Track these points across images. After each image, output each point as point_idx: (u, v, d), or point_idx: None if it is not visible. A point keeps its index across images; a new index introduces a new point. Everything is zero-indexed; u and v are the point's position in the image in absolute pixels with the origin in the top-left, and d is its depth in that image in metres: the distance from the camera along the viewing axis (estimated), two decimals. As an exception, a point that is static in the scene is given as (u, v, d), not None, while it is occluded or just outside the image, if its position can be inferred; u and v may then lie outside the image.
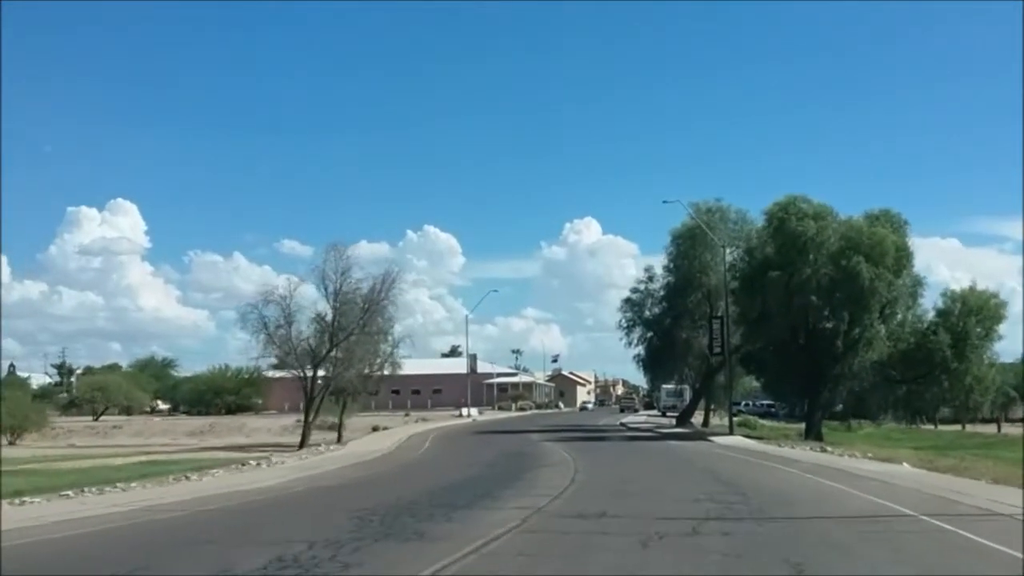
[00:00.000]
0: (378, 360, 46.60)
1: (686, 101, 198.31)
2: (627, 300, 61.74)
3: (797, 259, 45.61)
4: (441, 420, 77.29)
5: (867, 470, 25.29)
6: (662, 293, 61.00)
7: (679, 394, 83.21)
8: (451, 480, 22.74)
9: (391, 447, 39.59)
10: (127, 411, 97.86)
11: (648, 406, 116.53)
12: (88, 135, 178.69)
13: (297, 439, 47.90)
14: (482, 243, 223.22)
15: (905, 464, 28.37)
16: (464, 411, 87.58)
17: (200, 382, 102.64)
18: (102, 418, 79.42)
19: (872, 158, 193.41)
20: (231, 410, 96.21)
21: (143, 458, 36.23)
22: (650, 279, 61.37)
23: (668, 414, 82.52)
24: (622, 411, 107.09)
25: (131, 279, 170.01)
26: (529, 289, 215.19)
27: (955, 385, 48.13)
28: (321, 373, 45.05)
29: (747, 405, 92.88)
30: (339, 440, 47.16)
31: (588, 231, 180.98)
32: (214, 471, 26.52)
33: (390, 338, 46.65)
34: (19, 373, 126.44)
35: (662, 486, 20.92)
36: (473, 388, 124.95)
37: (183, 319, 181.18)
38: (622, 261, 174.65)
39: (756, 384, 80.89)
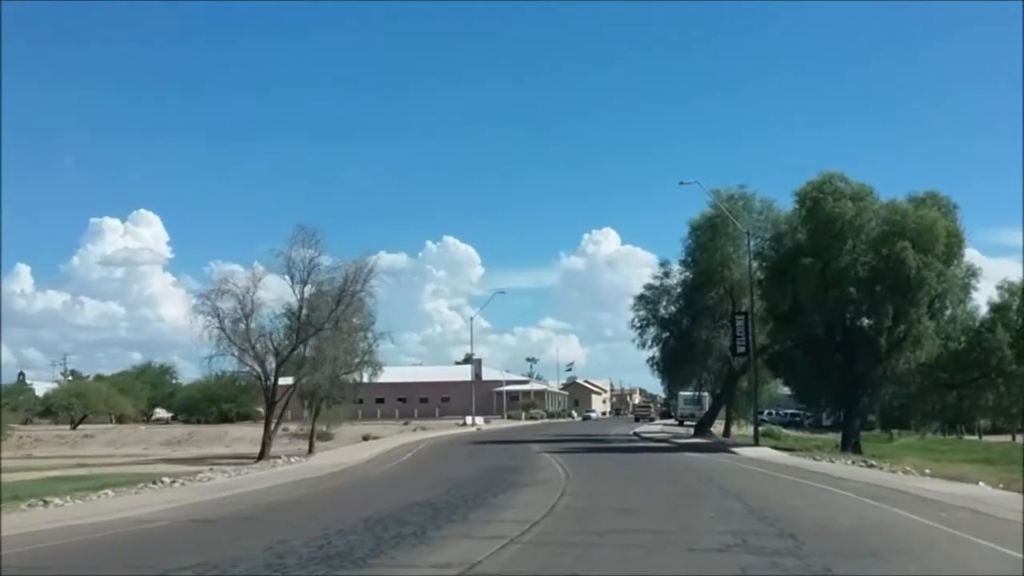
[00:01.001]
0: (355, 360, 40.60)
1: (708, 110, 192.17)
2: (640, 297, 55.64)
3: (833, 245, 39.47)
4: (442, 429, 71.48)
5: (939, 492, 19.21)
6: (679, 290, 54.88)
7: (698, 402, 76.95)
8: (393, 506, 16.83)
9: (362, 460, 33.77)
10: (119, 419, 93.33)
11: (665, 415, 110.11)
12: (111, 146, 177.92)
13: (280, 450, 42.38)
14: (501, 254, 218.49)
15: (982, 484, 22.39)
16: (469, 420, 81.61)
17: (195, 389, 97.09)
18: (81, 426, 73.77)
19: (911, 140, 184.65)
20: (227, 418, 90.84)
21: (65, 472, 30.59)
22: (666, 274, 55.34)
23: (686, 423, 76.40)
24: (637, 420, 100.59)
25: (153, 289, 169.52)
26: (547, 299, 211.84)
27: (1013, 389, 41.71)
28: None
29: (770, 414, 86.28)
30: (310, 450, 41.34)
31: (607, 241, 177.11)
32: (106, 491, 20.76)
33: (369, 336, 40.72)
34: (27, 381, 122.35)
35: (673, 520, 14.89)
36: (482, 396, 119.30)
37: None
38: (640, 271, 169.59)
39: (780, 392, 74.48)
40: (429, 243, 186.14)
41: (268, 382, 37.66)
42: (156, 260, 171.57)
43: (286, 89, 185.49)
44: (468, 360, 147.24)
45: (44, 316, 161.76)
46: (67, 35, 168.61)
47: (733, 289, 51.73)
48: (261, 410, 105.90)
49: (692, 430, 61.37)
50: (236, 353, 36.41)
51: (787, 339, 43.63)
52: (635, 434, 61.63)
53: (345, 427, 72.53)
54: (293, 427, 64.14)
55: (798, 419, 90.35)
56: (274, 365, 37.17)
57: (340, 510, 16.86)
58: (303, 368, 37.08)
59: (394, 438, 54.71)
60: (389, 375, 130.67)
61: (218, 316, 35.78)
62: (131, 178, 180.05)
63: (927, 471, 27.40)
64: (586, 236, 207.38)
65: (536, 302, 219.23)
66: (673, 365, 54.99)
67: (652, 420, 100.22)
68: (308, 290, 37.01)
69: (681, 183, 42.96)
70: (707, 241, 51.12)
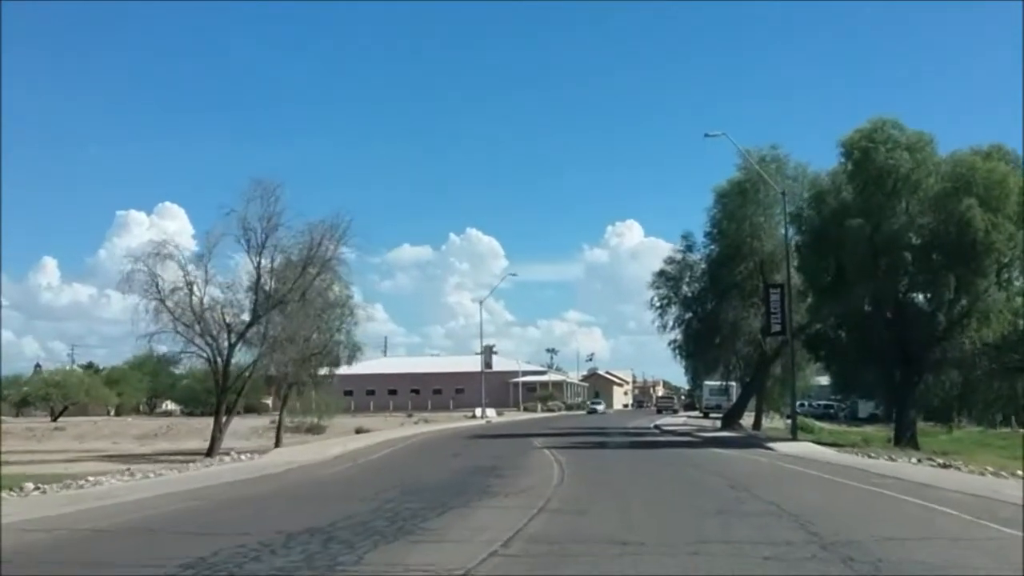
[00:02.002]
0: (330, 341, 34.77)
1: (733, 100, 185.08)
2: (660, 274, 49.28)
3: (885, 205, 33.28)
4: (448, 422, 65.69)
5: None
6: (703, 266, 48.66)
7: (725, 391, 70.47)
8: (272, 533, 10.92)
9: (326, 458, 27.92)
10: (118, 411, 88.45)
11: (689, 407, 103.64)
12: (136, 139, 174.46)
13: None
14: (524, 246, 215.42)
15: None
16: (478, 412, 75.69)
17: (195, 380, 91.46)
18: (66, 418, 68.47)
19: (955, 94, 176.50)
20: (229, 410, 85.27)
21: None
22: (688, 248, 49.06)
23: (712, 415, 70.04)
24: (659, 412, 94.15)
25: (177, 283, 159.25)
26: (571, 292, 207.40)
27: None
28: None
29: (801, 405, 79.36)
30: (277, 444, 35.61)
31: (630, 233, 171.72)
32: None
33: (346, 314, 34.85)
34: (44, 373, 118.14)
35: (702, 564, 8.82)
36: (498, 388, 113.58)
37: None
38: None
39: (813, 382, 68.07)
40: (452, 235, 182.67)
41: (214, 363, 31.73)
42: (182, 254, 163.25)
43: (308, 80, 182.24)
44: (488, 351, 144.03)
45: (70, 309, 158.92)
46: (89, 27, 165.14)
47: (764, 263, 45.55)
48: (268, 402, 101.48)
49: (718, 423, 55.22)
50: (181, 330, 30.49)
51: (829, 316, 37.34)
52: (655, 427, 55.49)
53: (341, 419, 67.60)
54: (293, 419, 59.22)
55: (831, 411, 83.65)
56: (228, 344, 31.25)
57: (188, 541, 10.91)
58: (262, 348, 31.11)
59: (386, 432, 48.89)
60: (402, 365, 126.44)
61: (157, 286, 29.95)
62: (157, 171, 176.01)
63: (1020, 473, 21.42)
64: (609, 228, 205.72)
65: (559, 295, 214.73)
66: (697, 349, 48.80)
67: (675, 412, 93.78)
68: (271, 256, 31.08)
69: (707, 135, 36.60)
70: (735, 209, 45.03)
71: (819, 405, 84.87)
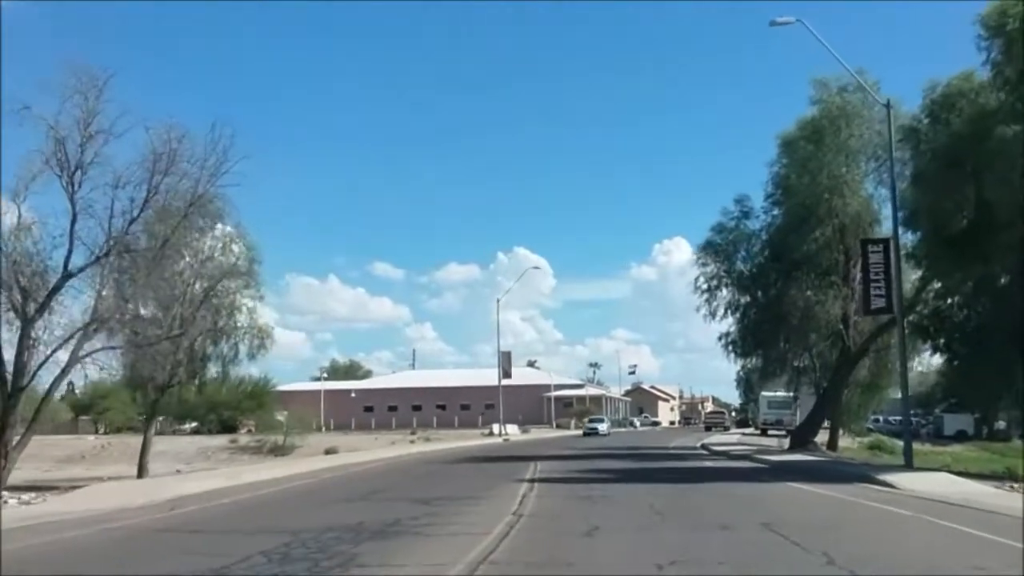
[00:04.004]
0: (226, 321, 23.25)
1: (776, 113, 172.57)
2: (707, 245, 36.82)
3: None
4: (456, 440, 53.92)
5: None
6: (764, 236, 36.44)
7: (787, 404, 57.81)
8: None
9: (176, 495, 16.53)
10: (116, 429, 78.28)
11: (742, 424, 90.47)
12: None
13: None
14: (572, 264, 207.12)
15: None
16: (496, 428, 63.83)
17: (191, 394, 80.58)
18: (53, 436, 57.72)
19: None
20: (227, 427, 74.70)
21: None
22: (744, 214, 36.71)
23: (771, 432, 57.37)
24: (708, 429, 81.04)
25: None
26: (619, 310, 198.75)
27: None
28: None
29: (875, 421, 66.02)
30: (139, 474, 24.09)
31: (678, 251, 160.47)
32: None
33: (245, 285, 23.35)
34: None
35: None
36: (531, 403, 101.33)
37: (280, 341, 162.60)
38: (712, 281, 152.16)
39: (890, 392, 54.77)
40: (500, 254, 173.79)
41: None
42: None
43: (354, 101, 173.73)
44: (530, 366, 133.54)
45: None
46: (131, 39, 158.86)
47: (846, 228, 33.44)
48: (281, 417, 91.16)
49: (782, 441, 42.83)
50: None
51: (962, 281, 24.87)
52: (703, 447, 43.15)
53: (331, 438, 56.75)
54: (255, 437, 48.07)
55: (911, 427, 70.03)
56: (22, 319, 19.61)
57: None
58: (91, 326, 19.50)
59: (362, 454, 37.60)
60: (427, 379, 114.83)
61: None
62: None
63: None
64: (657, 246, 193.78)
65: (608, 313, 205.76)
66: (756, 345, 36.52)
67: (726, 429, 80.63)
68: (111, 192, 19.57)
69: (773, 23, 24.42)
70: (807, 159, 33.03)
71: (895, 421, 71.40)
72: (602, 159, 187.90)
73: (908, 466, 23.61)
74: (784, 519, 12.39)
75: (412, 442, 50.25)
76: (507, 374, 68.32)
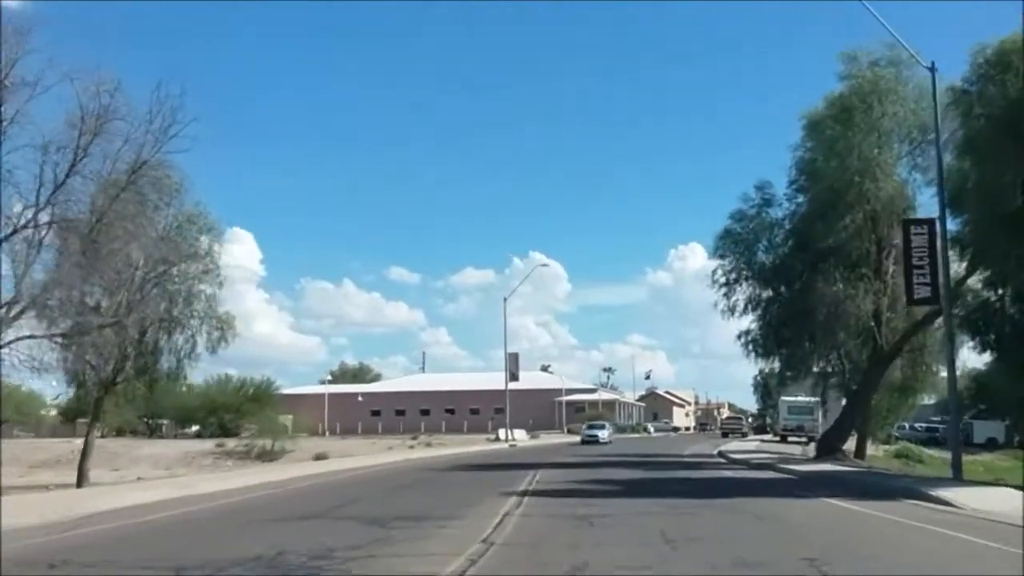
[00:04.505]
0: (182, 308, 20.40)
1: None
2: (726, 235, 33.68)
3: None
4: (458, 446, 51.01)
5: None
6: (787, 225, 33.38)
7: (808, 410, 54.67)
8: None
9: (78, 515, 13.61)
10: (118, 431, 75.87)
11: (760, 430, 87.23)
12: (207, 165, 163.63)
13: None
14: (587, 269, 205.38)
15: None
16: (502, 434, 60.86)
17: (192, 397, 78.33)
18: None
19: None
20: (227, 432, 72.13)
21: None
22: (766, 202, 33.66)
23: (791, 439, 54.22)
24: (725, 436, 77.76)
25: (247, 306, 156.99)
26: (634, 315, 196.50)
27: None
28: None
29: (901, 428, 62.52)
30: (78, 483, 21.29)
31: (693, 257, 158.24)
32: None
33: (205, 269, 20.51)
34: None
35: None
36: (542, 407, 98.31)
37: (296, 345, 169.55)
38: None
39: (922, 398, 51.47)
40: (515, 259, 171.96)
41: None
42: (250, 278, 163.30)
43: (371, 107, 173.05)
44: (544, 371, 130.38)
45: None
46: (131, 38, 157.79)
47: (878, 216, 30.42)
48: (286, 422, 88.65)
49: (806, 449, 39.72)
50: None
51: (1018, 268, 21.68)
52: (720, 454, 40.05)
53: (327, 442, 54.15)
54: (242, 442, 45.15)
55: (938, 435, 66.53)
56: None
57: None
58: (11, 310, 16.70)
59: (351, 460, 34.99)
60: (436, 383, 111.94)
61: None
62: (226, 197, 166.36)
63: None
64: (672, 251, 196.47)
65: (623, 318, 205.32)
66: (780, 343, 33.43)
67: (744, 436, 77.36)
68: (20, 146, 16.81)
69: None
70: (836, 140, 30.03)
71: (922, 428, 68.06)
72: (618, 163, 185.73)
73: (957, 479, 20.54)
74: (832, 552, 9.45)
75: (411, 447, 47.46)
76: (515, 377, 65.21)
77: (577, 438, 62.72)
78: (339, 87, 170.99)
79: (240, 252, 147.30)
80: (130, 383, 23.38)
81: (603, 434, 58.42)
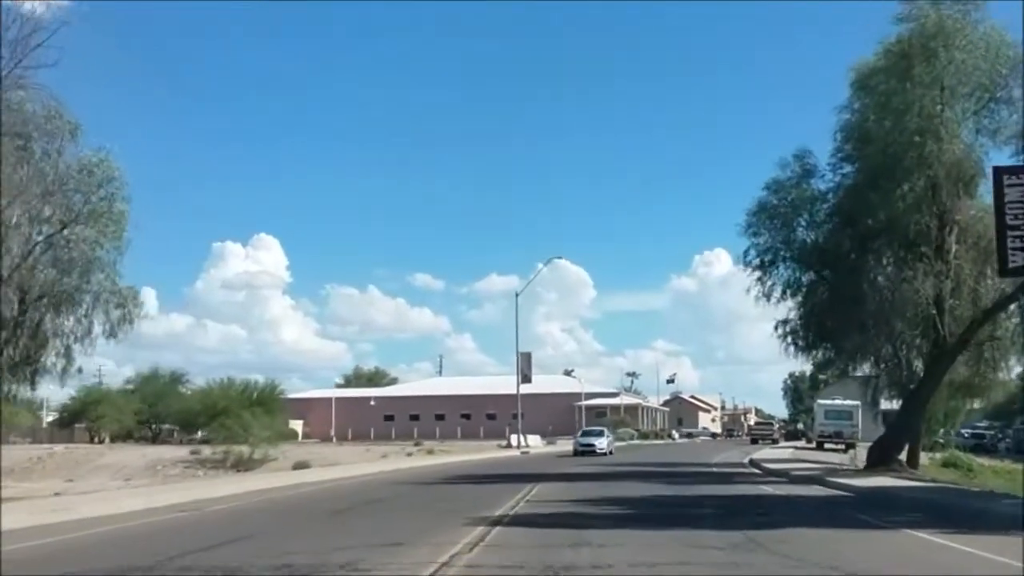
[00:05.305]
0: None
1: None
2: (760, 209, 28.50)
3: None
4: (463, 453, 46.41)
5: None
6: (831, 198, 28.51)
7: (846, 414, 49.63)
8: None
9: None
10: (114, 437, 72.33)
11: (792, 436, 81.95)
12: (233, 173, 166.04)
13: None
14: (612, 275, 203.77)
15: None
16: (514, 440, 56.30)
17: (193, 400, 74.36)
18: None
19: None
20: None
21: None
22: (806, 173, 28.70)
23: (827, 446, 49.18)
24: (754, 442, 72.58)
25: (273, 312, 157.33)
26: (659, 321, 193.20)
27: None
28: None
29: (945, 434, 57.13)
30: None
31: (718, 263, 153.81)
32: None
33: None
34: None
35: None
36: (562, 412, 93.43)
37: (321, 351, 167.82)
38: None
39: (984, 400, 46.02)
40: (540, 265, 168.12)
41: None
42: (276, 284, 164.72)
43: (394, 113, 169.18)
44: (566, 374, 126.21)
45: (168, 338, 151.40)
46: (185, 61, 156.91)
47: (940, 185, 25.52)
48: (297, 428, 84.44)
49: (852, 457, 34.79)
50: None
51: None
52: (752, 463, 35.24)
53: (318, 449, 49.83)
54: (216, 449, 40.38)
55: (985, 441, 61.17)
56: None
57: None
58: None
59: (325, 470, 30.49)
60: (452, 387, 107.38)
61: None
62: (252, 203, 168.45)
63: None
64: (697, 257, 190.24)
65: (647, 324, 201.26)
66: (821, 334, 28.57)
67: (775, 442, 72.07)
68: None
69: None
70: (890, 95, 25.33)
71: (967, 434, 62.65)
72: (642, 169, 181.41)
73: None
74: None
75: (410, 455, 42.87)
76: (527, 378, 60.64)
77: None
78: (367, 92, 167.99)
79: (267, 258, 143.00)
80: (2, 375, 18.75)
81: (601, 443, 46.64)
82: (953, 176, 25.48)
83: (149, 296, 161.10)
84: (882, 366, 28.74)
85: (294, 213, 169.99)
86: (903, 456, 29.96)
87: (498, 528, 11.96)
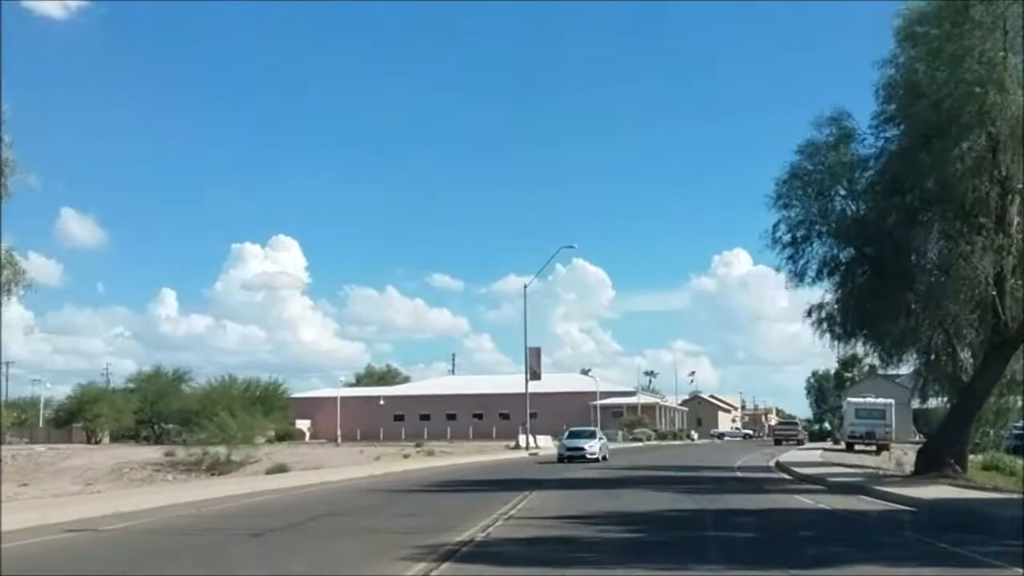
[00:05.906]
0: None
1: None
2: (792, 176, 24.47)
3: None
4: (467, 454, 43.07)
5: None
6: (873, 164, 24.78)
7: (880, 414, 45.88)
8: None
9: None
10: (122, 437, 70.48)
11: (817, 437, 78.00)
12: (253, 175, 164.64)
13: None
14: (631, 275, 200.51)
15: None
16: (522, 440, 52.82)
17: (194, 400, 71.14)
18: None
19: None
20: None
21: None
22: (844, 135, 24.93)
23: (858, 448, 45.45)
24: (778, 443, 68.61)
25: (291, 313, 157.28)
26: (678, 321, 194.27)
27: None
28: None
29: (985, 435, 52.84)
30: None
31: (738, 263, 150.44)
32: None
33: None
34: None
35: None
36: (577, 412, 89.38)
37: (340, 351, 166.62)
38: (773, 294, 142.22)
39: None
40: (559, 266, 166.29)
41: None
42: (295, 284, 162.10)
43: (412, 114, 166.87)
44: (583, 373, 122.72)
45: (188, 339, 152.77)
46: (198, 62, 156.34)
47: (1002, 144, 21.81)
48: (304, 428, 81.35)
49: (901, 462, 31.00)
50: None
51: None
52: (779, 466, 31.60)
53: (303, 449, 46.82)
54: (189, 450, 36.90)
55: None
56: None
57: None
58: None
59: (301, 475, 27.27)
60: (463, 385, 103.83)
61: None
62: (271, 205, 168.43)
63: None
64: (716, 257, 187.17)
65: (667, 324, 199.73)
66: (861, 319, 24.85)
67: (800, 443, 68.12)
68: None
69: None
70: (943, 41, 21.69)
71: (1006, 434, 58.45)
72: (661, 169, 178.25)
73: None
74: None
75: (407, 456, 39.56)
76: (536, 375, 57.13)
77: (615, 445, 53.65)
78: (384, 94, 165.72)
79: (286, 259, 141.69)
80: None
81: (592, 446, 38.96)
82: (1019, 134, 21.74)
83: (169, 297, 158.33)
84: (931, 357, 24.96)
85: (313, 214, 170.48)
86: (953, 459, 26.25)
87: (445, 566, 8.46)
